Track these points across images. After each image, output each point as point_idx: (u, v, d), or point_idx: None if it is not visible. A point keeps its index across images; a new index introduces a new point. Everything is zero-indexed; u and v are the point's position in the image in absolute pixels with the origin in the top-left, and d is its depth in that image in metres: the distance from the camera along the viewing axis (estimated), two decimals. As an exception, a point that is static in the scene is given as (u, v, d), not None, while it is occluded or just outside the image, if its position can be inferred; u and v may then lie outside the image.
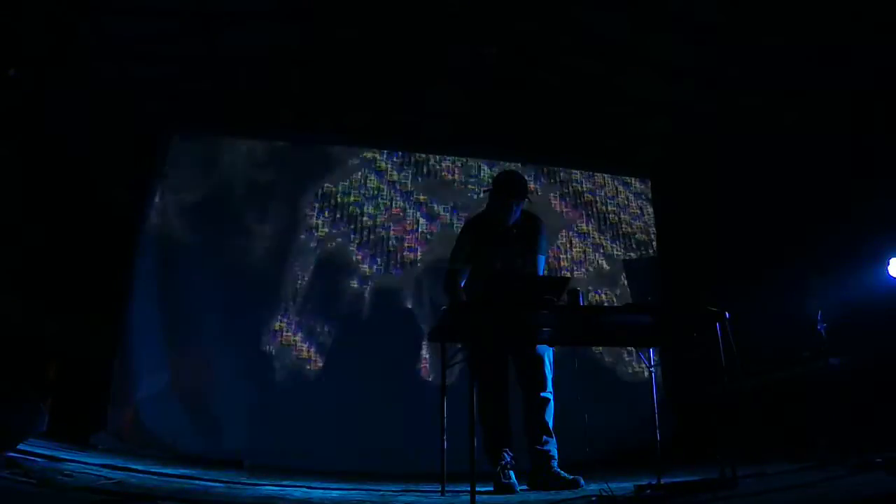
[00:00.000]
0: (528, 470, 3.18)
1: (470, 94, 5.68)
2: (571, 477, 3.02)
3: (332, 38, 5.10)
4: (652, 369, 3.37)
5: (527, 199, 3.40)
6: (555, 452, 3.15)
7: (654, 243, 6.29)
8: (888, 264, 4.21)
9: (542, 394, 3.23)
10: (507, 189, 3.36)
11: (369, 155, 6.04)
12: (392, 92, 5.69)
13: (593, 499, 2.49)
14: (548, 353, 3.34)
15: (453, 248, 3.56)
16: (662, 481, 2.75)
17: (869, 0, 4.08)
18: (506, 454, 3.17)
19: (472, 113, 5.90)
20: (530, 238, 3.42)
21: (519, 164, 6.16)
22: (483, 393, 3.26)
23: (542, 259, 3.45)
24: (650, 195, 6.49)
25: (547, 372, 3.30)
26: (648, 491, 2.50)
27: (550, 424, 3.22)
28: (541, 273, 3.43)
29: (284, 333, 5.36)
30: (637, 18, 4.72)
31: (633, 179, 6.52)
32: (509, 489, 3.03)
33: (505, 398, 3.29)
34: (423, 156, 6.14)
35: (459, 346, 3.34)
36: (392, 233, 5.81)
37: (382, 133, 6.08)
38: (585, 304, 3.26)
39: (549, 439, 3.17)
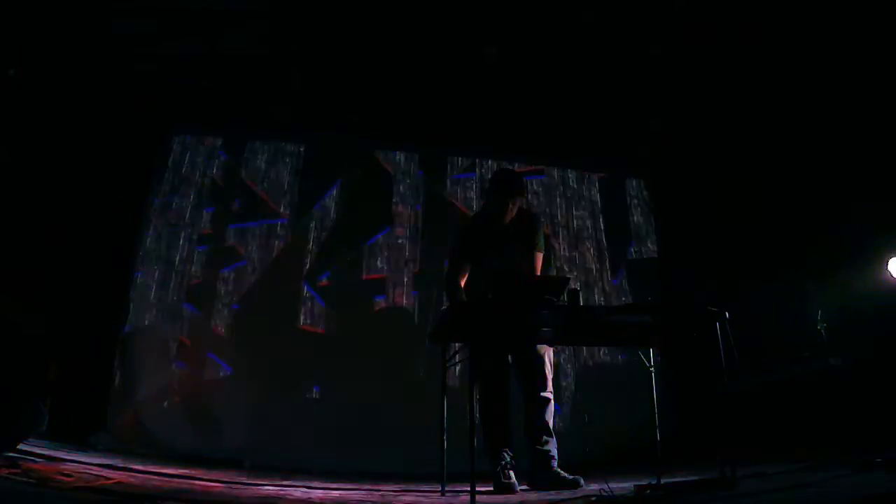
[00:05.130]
0: (528, 470, 3.18)
1: (470, 94, 5.67)
2: (571, 477, 3.02)
3: (332, 38, 5.09)
4: (652, 369, 3.36)
5: (524, 198, 3.41)
6: (555, 452, 3.15)
7: (655, 244, 6.28)
8: (887, 264, 4.20)
9: (542, 394, 3.24)
10: (505, 188, 3.37)
11: (369, 153, 6.04)
12: (392, 91, 5.68)
13: (593, 499, 2.49)
14: (548, 354, 3.34)
15: (452, 248, 3.56)
16: (662, 481, 2.74)
17: (868, 2, 4.09)
18: (506, 454, 3.17)
19: (472, 113, 5.89)
20: (528, 236, 3.43)
21: (518, 164, 6.16)
22: (483, 393, 3.27)
23: (540, 256, 3.45)
24: (650, 195, 6.47)
25: (547, 372, 3.30)
26: (648, 491, 2.50)
27: (550, 424, 3.22)
28: (539, 270, 3.44)
29: (284, 332, 5.35)
30: (637, 18, 4.72)
31: (632, 179, 6.50)
32: (509, 489, 3.04)
33: (505, 398, 3.30)
34: (426, 154, 6.14)
35: (460, 345, 3.34)
36: (395, 234, 5.81)
37: (382, 133, 6.07)
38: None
39: (549, 439, 3.18)
